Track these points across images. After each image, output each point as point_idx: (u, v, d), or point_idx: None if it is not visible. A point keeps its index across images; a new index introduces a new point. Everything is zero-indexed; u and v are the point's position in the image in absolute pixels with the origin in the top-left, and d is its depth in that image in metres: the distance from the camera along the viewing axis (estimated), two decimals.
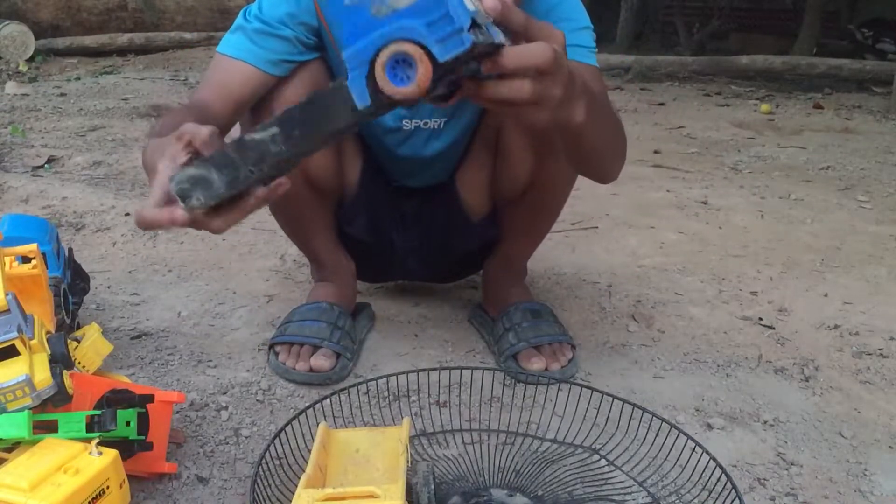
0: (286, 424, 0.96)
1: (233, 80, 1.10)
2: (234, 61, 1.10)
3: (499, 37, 0.66)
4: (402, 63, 0.62)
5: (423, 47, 0.61)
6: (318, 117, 0.67)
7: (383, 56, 0.62)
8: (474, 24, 0.61)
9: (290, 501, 0.78)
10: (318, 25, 1.13)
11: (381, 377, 1.14)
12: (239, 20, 1.13)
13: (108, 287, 1.51)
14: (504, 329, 1.28)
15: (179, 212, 0.71)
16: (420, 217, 1.36)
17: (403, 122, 1.22)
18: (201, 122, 0.82)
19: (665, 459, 0.99)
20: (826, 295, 1.63)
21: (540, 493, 0.93)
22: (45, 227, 1.20)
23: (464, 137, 1.27)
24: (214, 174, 0.69)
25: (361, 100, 0.64)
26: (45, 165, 2.32)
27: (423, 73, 0.61)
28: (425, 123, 1.22)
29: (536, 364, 1.21)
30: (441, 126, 1.23)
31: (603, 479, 0.97)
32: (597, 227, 2.03)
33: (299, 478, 0.81)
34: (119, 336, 1.30)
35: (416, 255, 1.39)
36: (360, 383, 1.11)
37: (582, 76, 0.79)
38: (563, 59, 0.71)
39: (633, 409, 1.04)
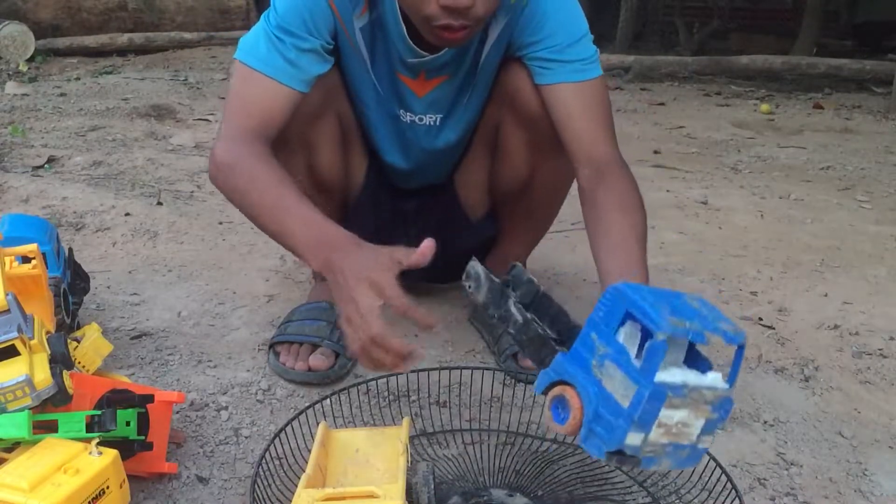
0: (286, 424, 0.96)
1: (275, 105, 1.09)
2: (272, 83, 1.08)
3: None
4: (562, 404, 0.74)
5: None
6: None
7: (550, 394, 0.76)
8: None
9: (290, 501, 0.78)
10: (335, 25, 1.11)
11: (381, 377, 1.14)
12: (264, 29, 1.09)
13: (108, 287, 1.51)
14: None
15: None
16: (420, 217, 1.36)
17: (400, 112, 1.22)
18: (271, 157, 1.03)
19: None
20: (826, 295, 1.62)
21: (540, 493, 0.93)
22: (45, 227, 1.20)
23: (462, 138, 1.27)
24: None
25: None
26: (45, 165, 2.32)
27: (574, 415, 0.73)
28: (420, 119, 1.22)
29: None
30: (437, 123, 1.23)
31: (603, 479, 0.97)
32: None
33: (299, 478, 0.81)
34: (119, 336, 1.30)
35: None
36: (360, 383, 1.11)
37: None
38: None
39: None
